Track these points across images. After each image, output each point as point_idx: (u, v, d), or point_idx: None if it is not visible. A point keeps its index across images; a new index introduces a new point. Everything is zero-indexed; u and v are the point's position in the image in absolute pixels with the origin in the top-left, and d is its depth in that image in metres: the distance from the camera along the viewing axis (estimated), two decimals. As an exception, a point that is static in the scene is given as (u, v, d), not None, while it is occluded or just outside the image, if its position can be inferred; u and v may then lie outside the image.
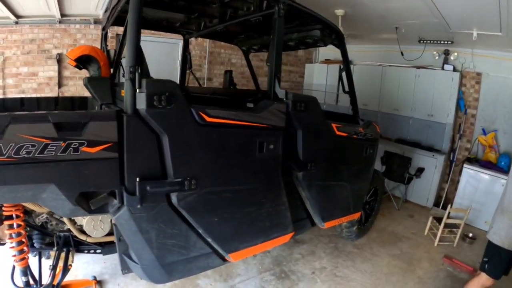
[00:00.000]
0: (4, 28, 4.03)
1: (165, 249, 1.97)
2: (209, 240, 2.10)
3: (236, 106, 2.55)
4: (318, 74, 6.46)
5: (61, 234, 2.26)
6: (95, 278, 2.76)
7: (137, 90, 1.73)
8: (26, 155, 1.52)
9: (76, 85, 4.46)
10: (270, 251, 3.31)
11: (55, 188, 1.61)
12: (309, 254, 3.39)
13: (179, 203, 1.91)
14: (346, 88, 3.12)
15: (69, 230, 2.25)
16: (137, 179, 1.74)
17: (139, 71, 1.72)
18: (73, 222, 2.20)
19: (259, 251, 2.44)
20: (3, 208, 1.91)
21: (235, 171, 2.14)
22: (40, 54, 4.25)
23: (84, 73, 4.30)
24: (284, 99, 2.32)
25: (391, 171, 4.98)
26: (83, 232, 2.22)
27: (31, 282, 2.15)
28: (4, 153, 1.48)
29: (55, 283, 2.19)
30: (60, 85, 4.37)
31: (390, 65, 5.44)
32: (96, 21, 4.41)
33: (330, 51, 6.07)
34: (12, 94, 4.11)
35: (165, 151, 1.82)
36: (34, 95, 4.14)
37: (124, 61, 1.83)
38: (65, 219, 2.15)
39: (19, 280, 2.10)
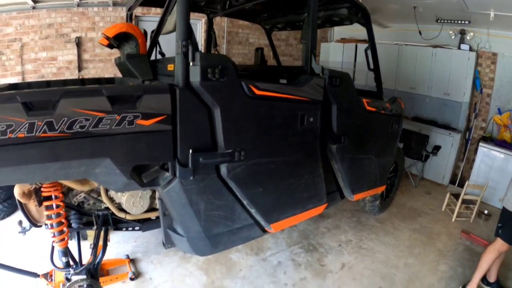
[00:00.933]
0: (21, 14, 3.96)
1: (211, 221, 2.02)
2: (253, 211, 2.16)
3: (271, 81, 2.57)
4: (334, 53, 6.41)
5: (100, 213, 2.29)
6: (128, 256, 2.82)
7: (191, 63, 1.74)
8: (79, 130, 1.50)
9: (96, 68, 4.43)
10: (297, 226, 3.38)
11: (109, 163, 1.61)
12: (334, 228, 3.46)
13: (228, 174, 1.95)
14: (371, 66, 3.12)
15: (107, 208, 2.28)
16: (190, 151, 1.77)
17: (191, 45, 1.72)
18: (112, 200, 2.23)
19: (296, 222, 2.50)
20: (42, 189, 1.93)
21: (280, 143, 2.18)
22: (58, 39, 4.19)
23: (106, 55, 4.36)
24: (321, 74, 2.36)
25: (409, 148, 5.01)
26: (122, 210, 2.25)
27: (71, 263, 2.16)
28: (57, 128, 1.46)
29: (96, 262, 2.19)
30: (80, 68, 4.33)
31: (406, 44, 5.39)
32: (115, 3, 4.35)
33: (345, 31, 6.02)
34: (31, 79, 4.07)
35: (217, 123, 1.85)
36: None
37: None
38: (103, 198, 2.18)
39: (58, 261, 2.12)
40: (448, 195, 4.17)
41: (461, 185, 4.03)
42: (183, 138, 1.76)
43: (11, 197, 3.59)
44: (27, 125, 1.42)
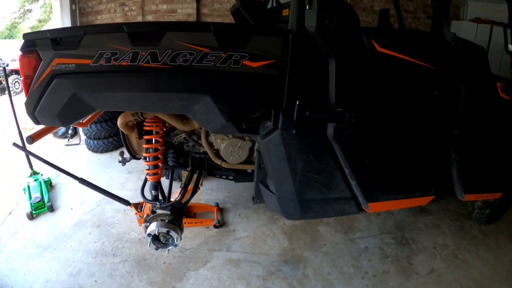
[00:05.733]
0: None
1: (307, 184, 1.82)
2: (354, 183, 1.88)
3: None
4: (465, 33, 5.35)
5: (197, 155, 2.27)
6: (217, 204, 2.83)
7: (307, 7, 1.55)
8: (182, 63, 1.46)
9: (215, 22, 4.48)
10: (394, 214, 2.99)
11: (209, 101, 1.53)
12: (434, 226, 2.96)
13: (335, 136, 1.70)
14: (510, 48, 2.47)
15: (205, 152, 2.25)
16: (297, 102, 1.58)
17: None
18: (211, 146, 2.18)
19: (397, 207, 2.23)
20: (144, 123, 1.96)
21: (397, 111, 1.87)
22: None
23: (225, 10, 4.36)
24: (452, 43, 1.91)
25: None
26: (219, 157, 2.19)
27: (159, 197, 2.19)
28: (160, 59, 1.44)
29: (182, 201, 2.21)
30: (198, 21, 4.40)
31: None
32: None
33: (481, 10, 5.01)
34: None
35: (330, 76, 1.62)
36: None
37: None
38: (203, 141, 2.15)
39: (148, 193, 2.17)
40: None
41: None
42: (291, 86, 1.59)
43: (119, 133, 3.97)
44: (131, 54, 1.44)
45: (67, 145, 4.20)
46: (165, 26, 1.46)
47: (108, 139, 3.88)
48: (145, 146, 2.00)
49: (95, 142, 3.87)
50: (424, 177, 2.11)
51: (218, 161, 2.17)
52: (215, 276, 2.22)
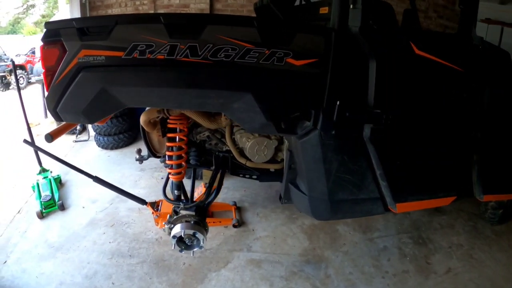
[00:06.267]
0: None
1: (339, 184, 1.76)
2: (384, 184, 1.82)
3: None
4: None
5: (220, 154, 2.19)
6: (235, 203, 2.75)
7: (351, 6, 1.49)
8: (224, 59, 1.37)
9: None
10: (410, 214, 2.95)
11: (251, 98, 1.44)
12: (448, 226, 2.95)
13: (371, 137, 1.65)
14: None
15: (227, 151, 2.17)
16: (337, 102, 1.52)
17: None
18: (235, 144, 2.10)
19: (422, 208, 2.17)
20: (168, 120, 1.86)
21: (429, 115, 1.83)
22: (192, -14, 4.14)
23: (238, 6, 4.22)
24: (480, 46, 1.92)
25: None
26: (243, 156, 2.11)
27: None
28: (200, 54, 1.34)
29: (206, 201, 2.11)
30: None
31: None
32: None
33: (490, 11, 4.98)
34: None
35: (370, 77, 1.56)
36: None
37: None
38: (227, 139, 2.07)
39: (170, 193, 2.09)
40: None
41: None
42: (332, 86, 1.52)
43: (132, 128, 3.87)
44: (168, 47, 1.33)
45: (75, 141, 4.06)
46: (206, 18, 1.37)
47: (118, 136, 3.75)
48: (168, 144, 1.90)
49: (105, 138, 3.74)
50: (447, 178, 2.09)
51: (242, 160, 2.09)
52: (238, 277, 2.15)
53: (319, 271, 2.23)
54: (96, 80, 1.37)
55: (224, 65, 1.37)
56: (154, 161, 2.76)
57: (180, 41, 1.32)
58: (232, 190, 2.94)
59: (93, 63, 1.34)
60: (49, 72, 1.41)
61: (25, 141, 2.44)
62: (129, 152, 3.77)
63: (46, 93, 1.48)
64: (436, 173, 2.01)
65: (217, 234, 2.48)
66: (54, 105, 1.46)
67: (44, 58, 1.41)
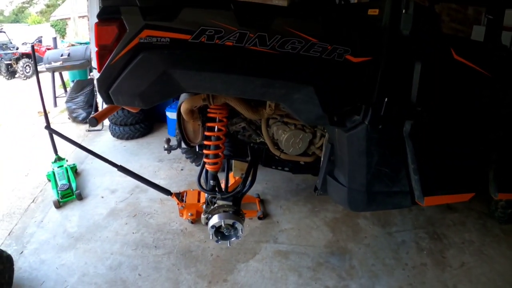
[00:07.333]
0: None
1: (377, 177, 1.79)
2: (416, 178, 1.86)
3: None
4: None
5: (255, 146, 2.18)
6: (258, 196, 2.73)
7: (403, 11, 1.53)
8: (290, 51, 1.37)
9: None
10: (425, 210, 3.01)
11: (311, 91, 1.47)
12: (460, 223, 3.03)
13: (410, 132, 1.69)
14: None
15: (261, 143, 2.16)
16: (386, 99, 1.57)
17: None
18: (271, 136, 2.09)
19: (446, 202, 2.31)
20: (208, 109, 1.83)
21: (463, 115, 1.92)
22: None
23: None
24: (504, 54, 2.04)
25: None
26: (277, 148, 2.10)
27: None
28: (268, 44, 1.33)
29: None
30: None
31: None
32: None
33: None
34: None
35: (415, 77, 1.63)
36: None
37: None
38: (263, 131, 2.05)
39: (204, 183, 2.06)
40: None
41: None
42: (382, 83, 1.57)
43: (148, 118, 3.79)
44: (237, 34, 1.30)
45: (88, 130, 3.93)
46: (276, 9, 1.38)
47: (135, 126, 3.64)
48: (207, 133, 1.87)
49: (121, 128, 3.63)
50: (469, 175, 2.16)
51: (276, 152, 2.07)
52: (266, 268, 2.13)
53: (344, 262, 2.24)
54: (159, 62, 1.31)
55: (291, 57, 1.37)
56: (173, 152, 2.71)
57: (250, 29, 1.30)
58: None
59: (156, 44, 1.27)
60: (103, 51, 1.33)
61: (47, 127, 2.35)
62: (145, 143, 3.70)
63: (97, 74, 1.41)
64: (460, 170, 2.08)
65: (244, 226, 2.47)
66: (106, 87, 1.38)
67: (98, 36, 1.33)
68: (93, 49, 3.44)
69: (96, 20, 1.36)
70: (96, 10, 3.47)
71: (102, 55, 1.35)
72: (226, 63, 1.34)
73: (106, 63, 1.35)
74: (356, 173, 1.76)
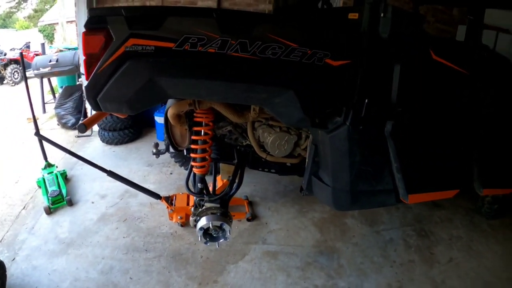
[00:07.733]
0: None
1: (361, 176, 1.85)
2: (399, 176, 1.92)
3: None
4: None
5: (241, 149, 2.22)
6: (247, 198, 2.77)
7: (381, 15, 1.59)
8: (271, 56, 1.42)
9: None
10: (412, 208, 3.08)
11: (292, 95, 1.53)
12: (447, 220, 3.11)
13: (391, 132, 1.75)
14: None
15: (247, 146, 2.20)
16: (366, 100, 1.63)
17: None
18: (256, 139, 2.14)
19: (430, 199, 2.31)
20: (194, 114, 1.88)
21: (444, 114, 1.97)
22: (199, -16, 4.07)
23: (245, 5, 4.16)
24: (484, 53, 2.09)
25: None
26: (263, 150, 2.15)
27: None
28: (249, 50, 1.39)
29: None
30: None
31: None
32: None
33: (488, 15, 5.20)
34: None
35: (394, 78, 1.69)
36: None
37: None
38: (249, 134, 2.10)
39: (192, 186, 2.10)
40: None
41: None
42: (362, 86, 1.63)
43: (136, 124, 3.81)
44: (219, 41, 1.36)
45: (78, 136, 3.92)
46: (257, 17, 1.44)
47: (123, 131, 3.65)
48: (194, 137, 1.91)
49: (110, 133, 3.64)
50: (453, 172, 2.22)
51: (263, 154, 2.12)
52: (256, 268, 2.17)
53: (332, 262, 2.29)
54: (144, 70, 1.36)
55: (271, 62, 1.43)
56: (162, 157, 2.74)
57: (231, 36, 1.35)
58: (242, 185, 2.97)
59: (142, 52, 1.33)
60: (91, 60, 1.38)
61: (37, 134, 2.37)
62: (134, 148, 3.71)
63: (85, 82, 1.46)
64: (443, 167, 2.13)
65: (231, 227, 2.50)
66: (94, 94, 1.43)
67: (86, 45, 1.38)
68: (81, 57, 3.45)
69: (84, 29, 1.40)
70: (84, 15, 3.49)
71: (89, 63, 1.40)
72: (209, 70, 1.40)
73: (94, 71, 1.40)
74: (340, 173, 1.82)
